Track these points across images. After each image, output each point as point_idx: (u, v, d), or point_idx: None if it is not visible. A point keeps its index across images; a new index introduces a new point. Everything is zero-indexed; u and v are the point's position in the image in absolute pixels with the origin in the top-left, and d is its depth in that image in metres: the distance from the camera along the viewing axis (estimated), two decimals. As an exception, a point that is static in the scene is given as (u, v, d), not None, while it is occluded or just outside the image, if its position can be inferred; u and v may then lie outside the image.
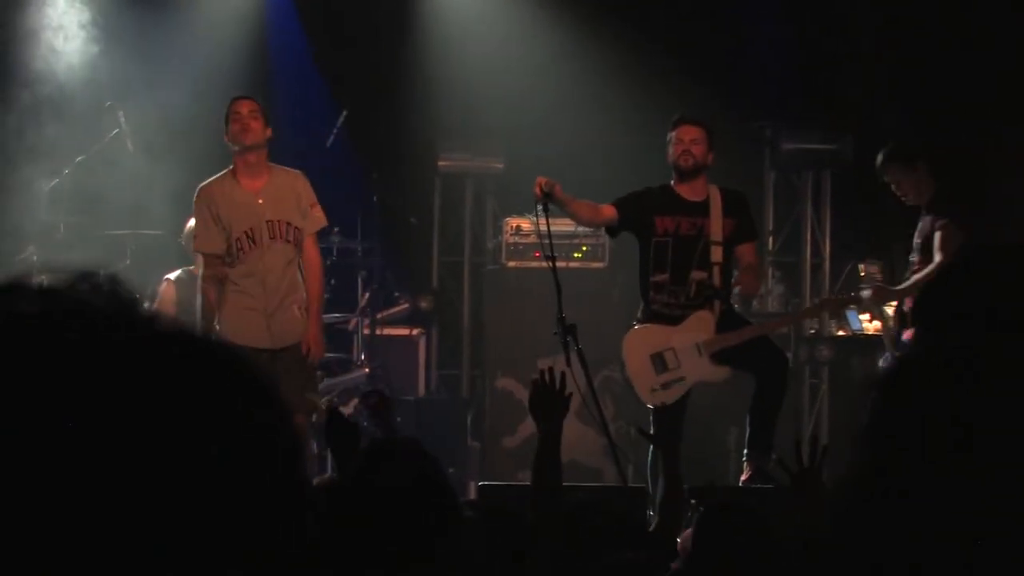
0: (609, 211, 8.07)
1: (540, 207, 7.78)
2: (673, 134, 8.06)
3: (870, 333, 10.69)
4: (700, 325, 7.91)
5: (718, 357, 7.95)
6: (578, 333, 7.57)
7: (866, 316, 10.84)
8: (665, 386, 7.92)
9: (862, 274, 11.48)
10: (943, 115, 10.07)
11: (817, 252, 10.91)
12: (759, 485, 7.75)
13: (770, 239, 10.93)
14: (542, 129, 10.73)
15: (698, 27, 11.03)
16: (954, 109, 10.11)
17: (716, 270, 7.95)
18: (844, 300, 9.12)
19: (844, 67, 10.93)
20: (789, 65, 11.05)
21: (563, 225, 9.94)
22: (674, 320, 7.95)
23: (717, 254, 7.96)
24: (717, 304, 7.95)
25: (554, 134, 10.72)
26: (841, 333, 10.76)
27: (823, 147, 10.79)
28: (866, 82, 10.77)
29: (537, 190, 7.73)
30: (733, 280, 8.13)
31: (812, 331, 10.58)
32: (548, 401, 4.92)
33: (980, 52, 9.89)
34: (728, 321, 7.99)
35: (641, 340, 8.04)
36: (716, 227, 7.97)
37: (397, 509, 2.69)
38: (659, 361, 7.96)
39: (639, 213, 8.03)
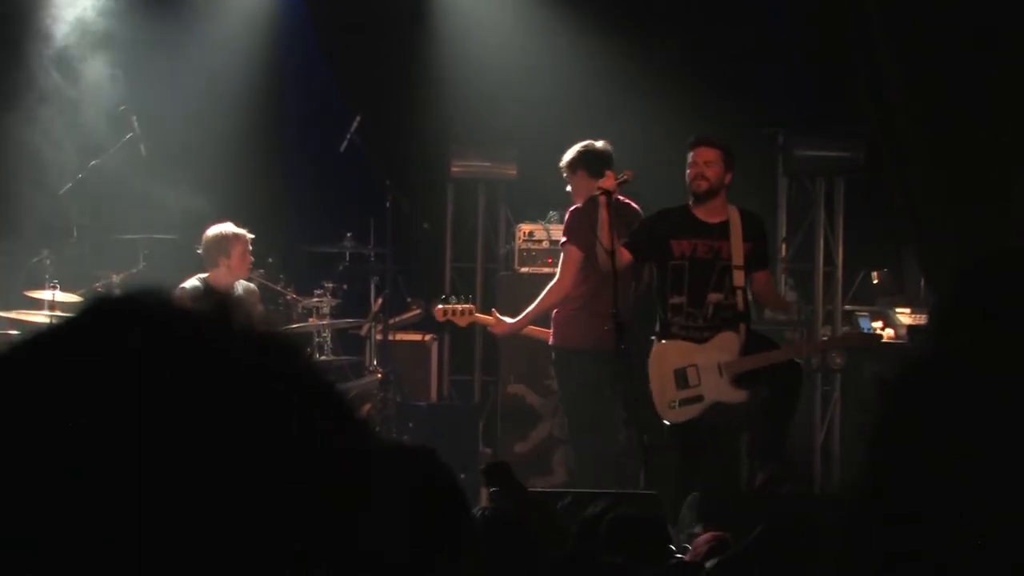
0: (626, 256, 8.12)
1: (607, 197, 7.86)
2: (690, 155, 8.06)
3: (883, 340, 10.68)
4: (725, 345, 7.92)
5: (739, 378, 7.95)
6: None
7: (879, 323, 10.83)
8: (683, 402, 7.93)
9: (875, 281, 11.48)
10: (957, 118, 10.05)
11: (830, 259, 10.88)
12: (773, 490, 7.75)
13: (783, 246, 10.90)
14: (555, 135, 10.71)
15: (712, 33, 11.02)
16: (968, 113, 10.08)
17: (739, 294, 7.96)
18: (865, 338, 9.43)
19: (857, 73, 10.91)
20: (802, 71, 11.03)
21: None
22: (696, 340, 7.97)
23: (739, 278, 7.97)
24: (743, 327, 7.96)
25: (567, 140, 10.70)
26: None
27: (836, 154, 10.77)
28: (879, 88, 10.74)
29: (612, 182, 7.81)
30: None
31: (824, 338, 10.55)
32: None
33: (995, 58, 9.86)
34: (753, 344, 7.99)
35: (668, 354, 8.06)
36: (737, 250, 7.98)
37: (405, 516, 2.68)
38: (681, 377, 7.98)
39: (653, 244, 8.09)
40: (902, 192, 10.15)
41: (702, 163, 7.98)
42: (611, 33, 10.96)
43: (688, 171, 8.06)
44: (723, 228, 8.00)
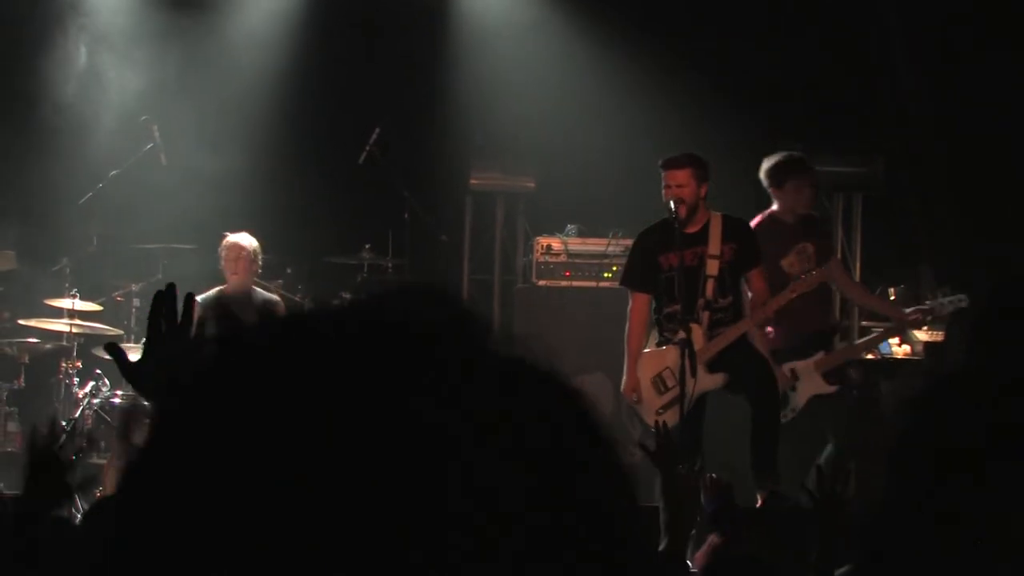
0: (642, 299, 8.17)
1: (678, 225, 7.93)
2: (663, 176, 8.09)
3: (899, 356, 10.66)
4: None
5: (713, 365, 8.00)
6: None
7: (895, 340, 10.80)
8: (668, 406, 7.97)
9: (892, 298, 11.45)
10: (973, 136, 10.06)
11: (847, 275, 10.85)
12: (775, 507, 7.74)
13: (800, 261, 10.89)
14: (573, 149, 10.75)
15: (729, 49, 11.03)
16: (985, 130, 10.09)
17: (711, 283, 8.00)
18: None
19: (875, 90, 10.92)
20: (820, 87, 11.03)
21: (593, 245, 10.02)
22: (670, 343, 8.02)
23: (712, 267, 8.02)
24: (706, 315, 8.00)
25: (585, 154, 10.74)
26: (870, 356, 10.72)
27: (854, 170, 10.76)
28: (898, 105, 10.75)
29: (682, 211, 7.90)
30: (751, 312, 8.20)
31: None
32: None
33: (1012, 74, 9.86)
34: (717, 327, 8.05)
35: (640, 368, 8.11)
36: (714, 251, 8.03)
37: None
38: (660, 382, 8.05)
39: (647, 269, 8.13)
40: (916, 199, 10.16)
41: (675, 186, 7.99)
42: (630, 49, 10.99)
43: (663, 193, 8.05)
44: (703, 234, 8.06)
